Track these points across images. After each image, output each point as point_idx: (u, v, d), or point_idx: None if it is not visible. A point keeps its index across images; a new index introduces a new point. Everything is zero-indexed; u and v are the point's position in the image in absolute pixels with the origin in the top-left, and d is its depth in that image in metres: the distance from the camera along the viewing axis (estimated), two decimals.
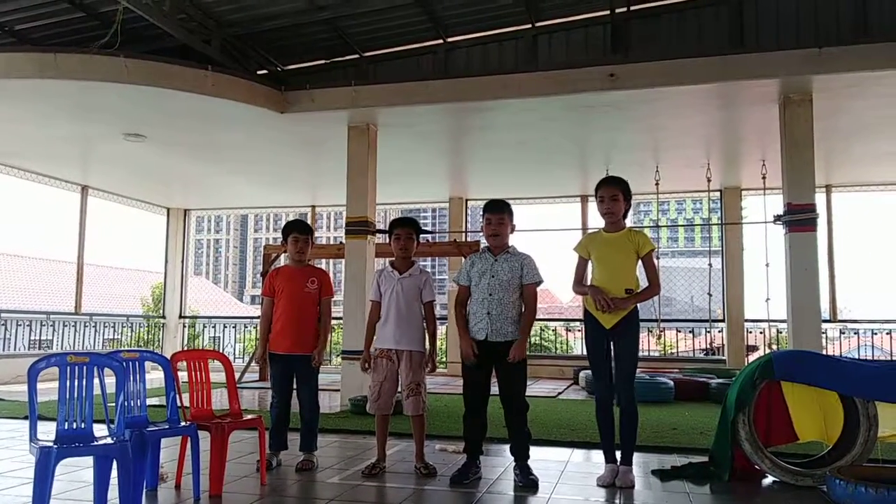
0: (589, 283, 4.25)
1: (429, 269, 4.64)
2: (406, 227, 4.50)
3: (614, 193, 4.19)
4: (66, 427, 3.26)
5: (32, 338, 12.21)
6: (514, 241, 4.33)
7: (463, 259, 8.07)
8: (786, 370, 4.20)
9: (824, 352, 7.56)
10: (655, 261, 4.32)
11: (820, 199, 8.73)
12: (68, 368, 3.28)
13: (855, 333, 11.39)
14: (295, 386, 4.63)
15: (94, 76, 6.93)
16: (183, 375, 4.04)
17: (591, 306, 4.18)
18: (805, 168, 6.96)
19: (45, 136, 8.87)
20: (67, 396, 3.26)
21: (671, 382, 8.38)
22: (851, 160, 9.69)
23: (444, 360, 12.51)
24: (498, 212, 4.25)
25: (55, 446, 3.06)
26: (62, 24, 7.72)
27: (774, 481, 4.17)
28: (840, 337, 11.21)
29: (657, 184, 9.90)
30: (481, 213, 4.40)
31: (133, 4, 6.69)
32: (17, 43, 7.93)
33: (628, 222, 4.33)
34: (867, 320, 11.56)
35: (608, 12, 7.88)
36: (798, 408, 4.22)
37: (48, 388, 3.36)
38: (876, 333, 11.66)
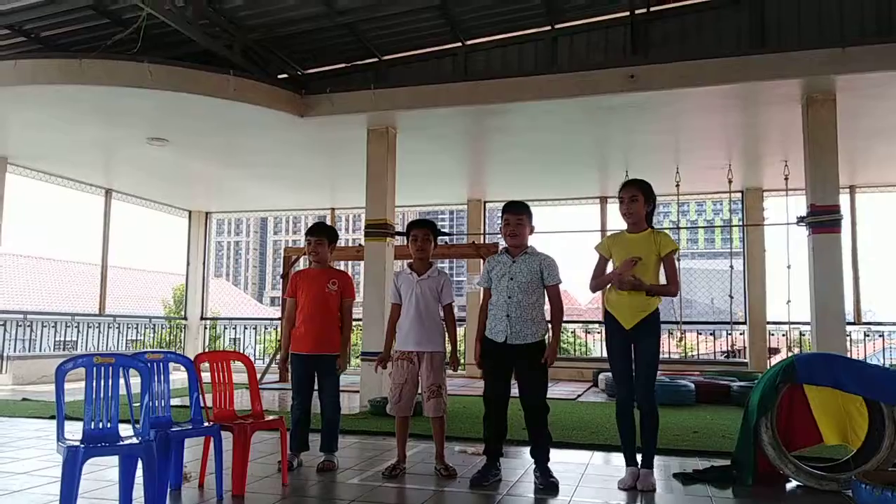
0: (609, 284, 4.23)
1: (447, 272, 4.65)
2: (423, 228, 4.52)
3: (633, 194, 4.18)
4: (92, 427, 3.31)
5: (57, 339, 12.42)
6: (533, 242, 4.33)
7: (482, 262, 8.08)
8: (808, 373, 4.16)
9: (848, 354, 7.46)
10: (676, 262, 4.29)
11: (843, 200, 8.59)
12: (95, 369, 3.33)
13: (880, 336, 11.23)
14: (317, 387, 4.66)
15: (119, 81, 7.04)
16: (206, 376, 4.09)
17: (612, 307, 4.17)
18: (828, 169, 6.88)
19: (70, 141, 9.01)
20: (94, 397, 3.31)
21: (692, 385, 8.31)
22: (876, 160, 9.56)
23: (462, 362, 12.50)
24: (517, 212, 4.25)
25: (82, 446, 3.11)
26: (87, 31, 7.84)
27: (798, 485, 4.12)
28: (864, 339, 11.05)
29: (677, 185, 9.83)
30: (500, 213, 4.41)
31: (156, 10, 6.78)
32: (43, 49, 8.07)
33: None
34: (892, 322, 11.39)
35: (628, 13, 7.84)
36: (822, 410, 4.16)
37: (73, 389, 3.42)
38: None
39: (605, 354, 4.31)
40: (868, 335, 11.12)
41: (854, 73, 6.53)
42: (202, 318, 14.21)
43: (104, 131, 8.55)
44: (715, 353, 13.06)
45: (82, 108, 7.70)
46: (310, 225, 4.98)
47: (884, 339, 11.25)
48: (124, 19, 7.54)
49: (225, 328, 15.63)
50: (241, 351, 14.42)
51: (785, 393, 4.19)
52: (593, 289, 4.34)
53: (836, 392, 4.13)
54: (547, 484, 4.04)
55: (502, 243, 4.42)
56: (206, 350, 13.50)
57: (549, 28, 8.22)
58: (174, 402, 4.12)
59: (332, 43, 8.47)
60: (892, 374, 4.16)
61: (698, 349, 12.97)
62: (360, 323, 8.10)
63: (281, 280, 11.85)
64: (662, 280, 4.17)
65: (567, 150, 9.28)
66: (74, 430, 3.31)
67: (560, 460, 4.55)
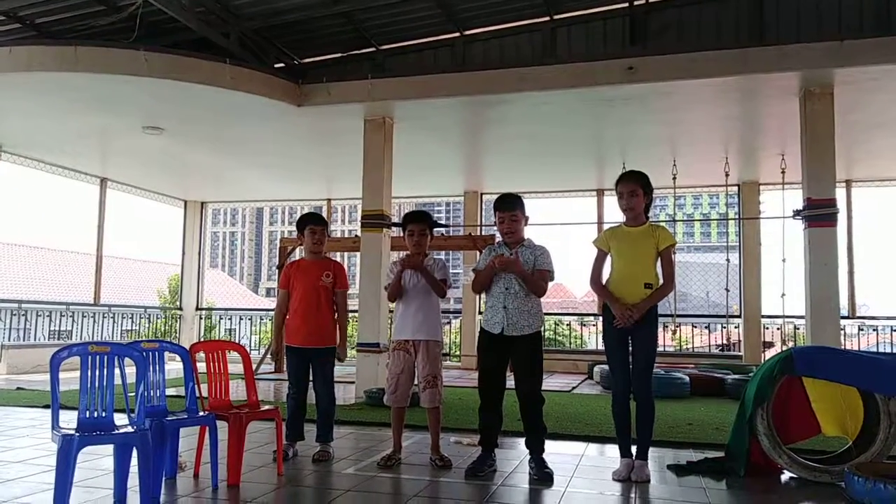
0: (608, 276, 4.23)
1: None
2: (420, 222, 4.46)
3: (633, 189, 4.17)
4: (87, 416, 3.30)
5: (52, 328, 12.38)
6: (529, 234, 4.32)
7: (478, 254, 8.07)
8: (807, 365, 4.16)
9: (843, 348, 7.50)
10: (673, 257, 4.29)
11: (840, 194, 8.60)
12: (90, 358, 3.32)
13: (874, 330, 11.27)
14: (311, 377, 4.65)
15: (114, 69, 6.99)
16: (201, 366, 4.08)
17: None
18: (825, 162, 6.88)
19: (64, 129, 8.96)
20: (89, 386, 3.30)
21: (687, 378, 8.35)
22: (873, 154, 9.57)
23: (458, 353, 12.53)
24: (510, 209, 4.21)
25: (77, 434, 3.10)
26: (82, 18, 7.78)
27: (791, 477, 4.14)
28: (859, 334, 11.09)
29: (674, 178, 9.83)
30: (493, 208, 4.37)
31: None
32: (37, 36, 8.00)
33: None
34: (886, 317, 11.43)
35: (627, 4, 7.82)
36: (821, 401, 4.16)
37: (68, 378, 3.40)
38: (895, 330, 11.53)
39: (600, 347, 4.30)
40: (862, 329, 11.17)
41: (852, 67, 6.52)
42: (197, 309, 14.19)
43: (99, 119, 8.49)
44: (710, 346, 13.10)
45: (77, 96, 7.65)
46: (302, 215, 4.91)
47: (878, 334, 11.30)
48: (120, 6, 7.48)
49: (220, 319, 15.61)
50: (237, 342, 14.40)
51: (781, 385, 4.20)
52: (595, 291, 4.34)
53: (835, 383, 4.13)
54: (542, 475, 4.05)
55: (499, 236, 4.40)
56: (202, 340, 13.48)
57: (547, 19, 8.19)
58: (169, 391, 4.11)
59: (329, 32, 8.42)
60: (890, 364, 4.16)
61: (693, 342, 12.98)
62: (356, 314, 8.09)
63: (277, 271, 11.84)
64: (659, 271, 4.17)
65: (564, 142, 9.26)
66: (69, 420, 3.30)
67: (555, 451, 4.56)
